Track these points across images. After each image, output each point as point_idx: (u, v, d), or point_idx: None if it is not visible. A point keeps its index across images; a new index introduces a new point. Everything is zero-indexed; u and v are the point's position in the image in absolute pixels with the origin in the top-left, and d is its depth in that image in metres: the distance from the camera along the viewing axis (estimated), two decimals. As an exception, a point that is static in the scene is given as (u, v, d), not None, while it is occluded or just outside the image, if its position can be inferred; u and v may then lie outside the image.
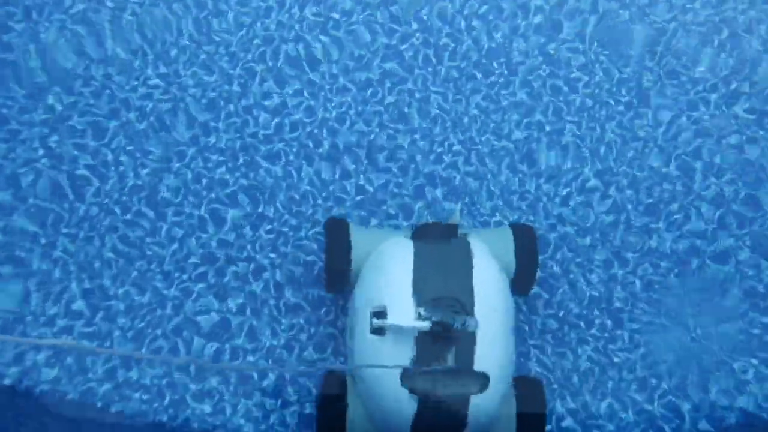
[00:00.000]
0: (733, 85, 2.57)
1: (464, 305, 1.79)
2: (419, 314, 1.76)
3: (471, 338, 1.77)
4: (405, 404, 1.78)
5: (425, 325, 1.73)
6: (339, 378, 1.97)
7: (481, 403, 1.79)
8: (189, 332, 2.19)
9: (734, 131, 2.52)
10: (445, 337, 1.76)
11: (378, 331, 1.79)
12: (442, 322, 1.73)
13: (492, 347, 1.80)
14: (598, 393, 2.22)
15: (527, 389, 1.96)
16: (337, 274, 2.01)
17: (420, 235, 2.01)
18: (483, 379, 1.78)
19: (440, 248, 1.93)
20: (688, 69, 2.58)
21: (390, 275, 1.87)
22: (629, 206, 2.43)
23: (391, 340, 1.78)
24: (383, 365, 1.77)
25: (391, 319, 1.77)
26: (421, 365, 1.76)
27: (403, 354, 1.77)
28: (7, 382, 2.09)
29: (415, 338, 1.77)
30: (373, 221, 2.35)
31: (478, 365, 1.78)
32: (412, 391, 1.76)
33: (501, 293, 1.90)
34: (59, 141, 2.33)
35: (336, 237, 2.04)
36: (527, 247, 2.06)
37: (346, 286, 2.05)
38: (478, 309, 1.80)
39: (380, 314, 1.81)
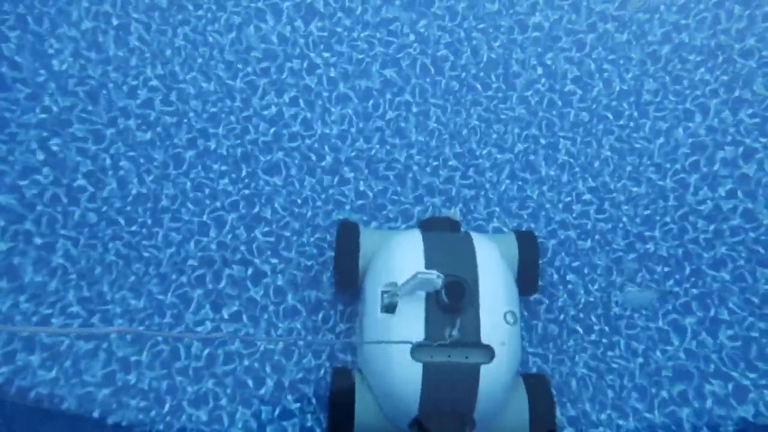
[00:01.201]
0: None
1: (470, 283, 1.87)
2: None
3: (476, 312, 1.84)
4: (414, 379, 1.82)
5: (437, 275, 1.75)
6: (347, 372, 2.03)
7: (491, 374, 1.83)
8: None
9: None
10: (452, 311, 1.81)
11: (389, 308, 1.85)
12: (456, 278, 1.83)
13: (498, 322, 1.87)
14: (597, 401, 2.22)
15: (534, 383, 2.02)
16: (347, 269, 2.09)
17: (426, 227, 2.14)
18: (490, 350, 1.84)
19: (446, 237, 2.06)
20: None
21: (402, 259, 1.95)
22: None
23: (401, 316, 1.85)
24: (393, 341, 1.82)
25: (401, 278, 1.83)
26: (430, 340, 1.82)
27: (413, 329, 1.82)
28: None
29: (424, 313, 1.83)
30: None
31: (486, 338, 1.84)
32: (423, 362, 1.81)
33: (503, 276, 1.97)
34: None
35: (346, 238, 2.13)
36: (529, 247, 2.16)
37: (354, 285, 2.12)
38: (483, 286, 1.88)
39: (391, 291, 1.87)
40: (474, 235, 2.06)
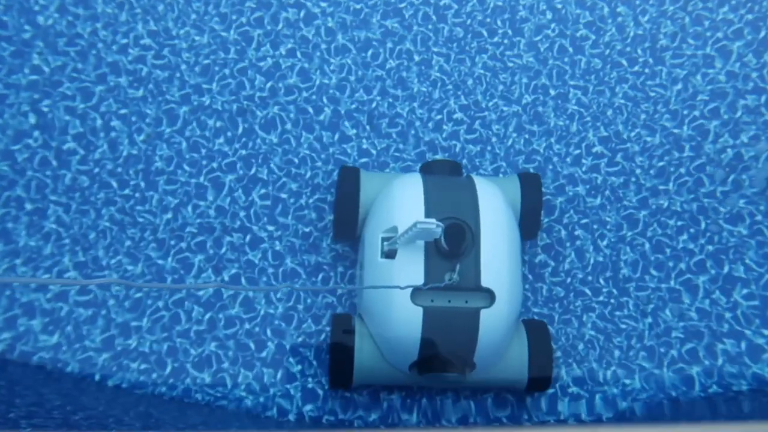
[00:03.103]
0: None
1: (471, 226, 1.83)
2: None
3: (477, 256, 1.81)
4: (414, 323, 1.80)
5: (437, 224, 1.68)
6: (347, 318, 2.03)
7: (491, 318, 1.81)
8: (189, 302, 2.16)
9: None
10: (452, 256, 1.79)
11: (389, 255, 1.84)
12: (456, 222, 1.79)
13: (499, 266, 1.84)
14: (604, 361, 2.18)
15: (534, 329, 2.02)
16: (347, 213, 2.06)
17: (427, 170, 2.09)
18: (490, 294, 1.82)
19: (447, 180, 2.01)
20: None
21: (402, 202, 1.92)
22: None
23: (401, 261, 1.83)
24: (391, 286, 1.80)
25: (401, 225, 1.79)
26: (430, 284, 1.79)
27: (413, 274, 1.79)
28: (-1, 348, 2.07)
29: (423, 258, 1.81)
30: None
31: (486, 282, 1.81)
32: (423, 307, 1.80)
33: (505, 219, 1.93)
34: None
35: (346, 182, 2.08)
36: (532, 191, 2.11)
37: (354, 229, 2.08)
38: (484, 230, 1.83)
39: (391, 239, 1.85)
40: (476, 178, 1.99)
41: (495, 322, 1.82)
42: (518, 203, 2.07)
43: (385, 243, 1.84)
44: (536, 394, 2.11)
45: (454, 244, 1.78)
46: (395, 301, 1.80)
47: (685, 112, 2.42)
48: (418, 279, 1.80)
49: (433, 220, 1.65)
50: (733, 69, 2.44)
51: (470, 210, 1.85)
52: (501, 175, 2.34)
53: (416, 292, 1.80)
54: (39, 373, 2.04)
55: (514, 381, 1.99)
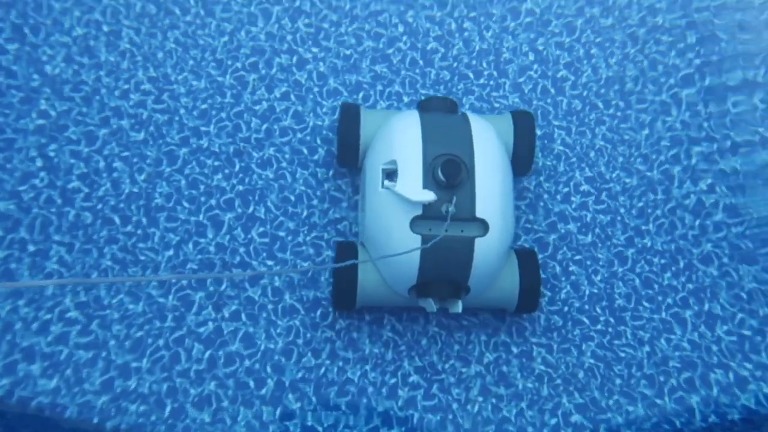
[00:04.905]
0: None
1: (465, 162, 1.96)
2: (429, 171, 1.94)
3: (472, 188, 1.93)
4: (413, 251, 1.92)
5: (430, 196, 1.88)
6: (351, 245, 2.14)
7: (485, 246, 1.94)
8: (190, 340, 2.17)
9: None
10: (449, 188, 1.92)
11: (389, 187, 1.97)
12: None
13: (492, 198, 1.96)
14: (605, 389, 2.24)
15: (524, 256, 2.14)
16: (349, 147, 2.19)
17: (424, 108, 2.22)
18: (484, 224, 1.95)
19: (443, 117, 2.15)
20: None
21: (400, 136, 2.04)
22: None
23: (401, 192, 1.94)
24: (395, 254, 1.92)
25: (400, 189, 1.93)
26: (428, 214, 1.92)
27: (412, 204, 1.92)
28: (-3, 393, 2.04)
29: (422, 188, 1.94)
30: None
31: (480, 213, 1.94)
32: (421, 235, 1.92)
33: (498, 154, 2.06)
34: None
35: (347, 118, 2.20)
36: (525, 128, 2.24)
37: (355, 162, 2.22)
38: (478, 164, 1.97)
39: (391, 173, 1.98)
40: (471, 116, 2.13)
41: (488, 249, 1.95)
42: (511, 140, 2.21)
43: (386, 181, 1.97)
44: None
45: (450, 176, 1.91)
46: (395, 229, 1.93)
47: (653, 156, 2.52)
48: (417, 209, 1.92)
49: (428, 195, 1.85)
50: (684, 117, 2.55)
51: (465, 146, 1.99)
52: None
53: (415, 221, 1.92)
54: (37, 419, 2.01)
55: (505, 303, 2.14)
